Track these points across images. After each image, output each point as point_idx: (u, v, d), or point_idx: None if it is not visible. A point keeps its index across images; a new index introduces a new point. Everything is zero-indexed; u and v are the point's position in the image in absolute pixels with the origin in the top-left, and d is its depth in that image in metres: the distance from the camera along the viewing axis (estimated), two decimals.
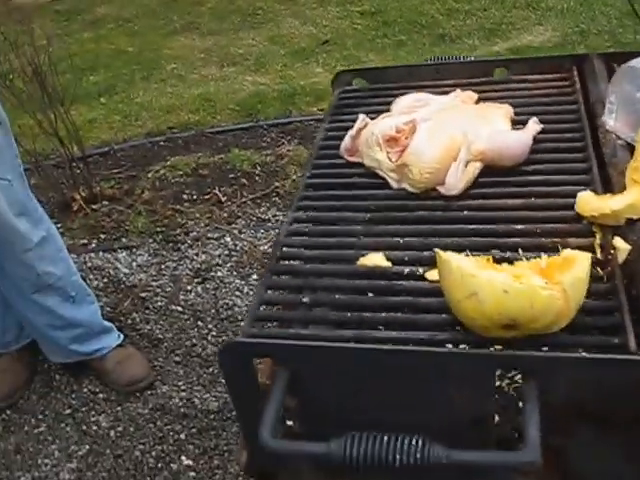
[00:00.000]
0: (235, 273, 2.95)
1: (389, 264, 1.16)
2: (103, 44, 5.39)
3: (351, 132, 1.42)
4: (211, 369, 2.58)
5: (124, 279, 3.01)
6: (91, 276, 3.03)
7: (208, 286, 2.90)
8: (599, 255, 1.12)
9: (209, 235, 3.18)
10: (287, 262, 1.23)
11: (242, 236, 3.13)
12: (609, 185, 1.25)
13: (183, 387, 2.53)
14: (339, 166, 1.45)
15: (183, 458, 2.31)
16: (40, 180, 3.31)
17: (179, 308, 2.83)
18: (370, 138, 1.36)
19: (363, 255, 1.19)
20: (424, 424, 0.92)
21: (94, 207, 3.40)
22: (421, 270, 1.13)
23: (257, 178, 3.49)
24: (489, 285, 0.92)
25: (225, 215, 3.29)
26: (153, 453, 2.33)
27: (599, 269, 1.10)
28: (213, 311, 2.79)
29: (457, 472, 0.91)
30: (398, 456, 0.87)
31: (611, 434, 0.98)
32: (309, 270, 1.19)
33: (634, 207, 1.12)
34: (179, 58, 4.94)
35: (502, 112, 1.40)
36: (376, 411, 0.96)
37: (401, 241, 1.21)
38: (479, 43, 4.46)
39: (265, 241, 3.09)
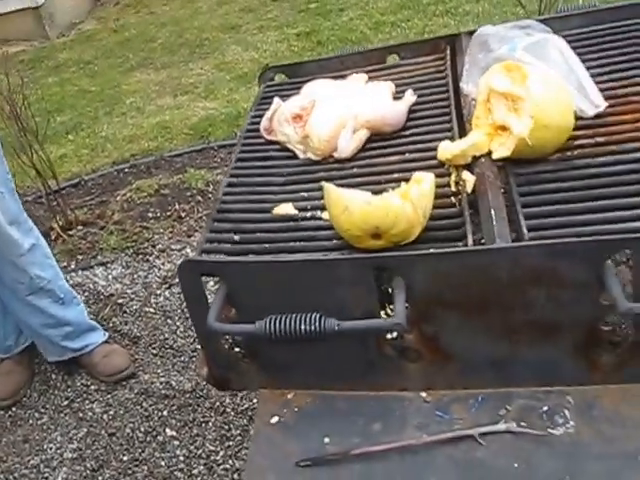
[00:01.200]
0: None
1: (296, 211, 1.50)
2: (67, 86, 5.73)
3: (267, 114, 1.76)
4: (183, 357, 2.92)
5: (102, 290, 3.33)
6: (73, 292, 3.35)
7: (174, 290, 3.24)
8: (453, 188, 1.46)
9: (172, 247, 3.52)
10: (223, 214, 1.56)
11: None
12: (465, 136, 1.59)
13: (162, 374, 2.85)
14: (260, 144, 1.78)
15: (168, 430, 2.63)
16: None
17: (152, 310, 3.16)
18: (281, 117, 1.70)
19: (277, 206, 1.52)
20: (326, 311, 1.24)
21: (70, 233, 3.73)
22: (319, 213, 1.47)
23: (210, 195, 3.83)
24: (355, 199, 1.26)
25: (185, 229, 3.63)
26: (142, 429, 2.65)
27: (453, 198, 1.43)
28: (179, 311, 3.12)
29: (348, 340, 1.25)
30: (303, 326, 1.20)
31: (467, 317, 1.29)
32: (239, 218, 1.53)
33: (475, 146, 1.45)
34: (137, 92, 5.29)
35: (384, 88, 1.74)
36: (289, 305, 1.28)
37: (306, 195, 1.54)
38: None
39: None
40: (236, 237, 1.47)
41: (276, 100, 1.78)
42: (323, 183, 1.35)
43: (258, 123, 1.81)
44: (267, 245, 1.43)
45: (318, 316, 1.19)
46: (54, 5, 6.95)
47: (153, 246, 3.56)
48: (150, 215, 3.80)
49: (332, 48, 5.17)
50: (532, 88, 1.38)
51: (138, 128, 4.72)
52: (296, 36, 5.55)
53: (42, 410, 2.83)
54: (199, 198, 3.84)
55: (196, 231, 3.59)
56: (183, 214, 3.74)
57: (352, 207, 1.27)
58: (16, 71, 5.83)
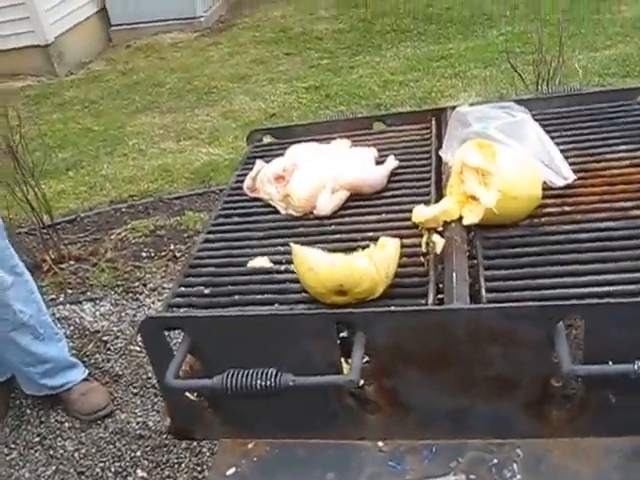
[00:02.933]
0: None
1: (271, 264, 1.55)
2: (71, 124, 5.82)
3: (251, 174, 1.83)
4: None
5: (88, 326, 3.36)
6: (59, 325, 3.38)
7: None
8: (424, 249, 1.52)
9: (164, 285, 3.55)
10: (196, 269, 1.62)
11: None
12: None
13: (140, 413, 2.87)
14: (242, 201, 1.85)
15: (139, 471, 2.64)
16: (14, 245, 3.69)
17: (137, 348, 3.19)
18: (264, 177, 1.77)
19: (252, 260, 1.58)
20: (287, 366, 1.28)
21: (62, 267, 3.77)
22: (291, 267, 1.52)
23: None
24: (320, 261, 1.33)
25: (179, 268, 3.67)
26: (112, 469, 2.66)
27: (422, 258, 1.49)
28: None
29: (306, 394, 1.29)
30: (259, 382, 1.24)
31: (426, 372, 1.35)
32: (211, 272, 1.58)
33: (446, 212, 1.52)
34: (140, 134, 5.38)
35: (367, 152, 1.82)
36: (253, 357, 1.32)
37: (282, 249, 1.60)
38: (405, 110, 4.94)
39: None
40: (206, 290, 1.52)
41: (259, 162, 1.85)
42: (291, 244, 1.41)
43: (242, 182, 1.88)
44: (236, 297, 1.47)
45: (274, 372, 1.24)
46: (65, 43, 7.10)
47: (144, 285, 3.60)
48: (144, 255, 3.85)
49: (340, 102, 5.28)
50: (501, 164, 1.47)
51: (139, 169, 4.80)
52: (305, 89, 5.66)
53: (12, 446, 2.82)
54: (196, 239, 3.89)
55: None
56: (178, 254, 3.80)
57: (317, 268, 1.33)
58: (22, 104, 6.01)
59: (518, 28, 6.11)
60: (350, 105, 5.17)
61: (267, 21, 7.35)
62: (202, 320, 1.37)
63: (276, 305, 1.43)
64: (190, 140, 5.14)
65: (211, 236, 1.74)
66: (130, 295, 3.54)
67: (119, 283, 3.63)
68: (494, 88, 4.96)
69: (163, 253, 3.83)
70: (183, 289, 1.56)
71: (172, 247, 3.85)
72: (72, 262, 3.83)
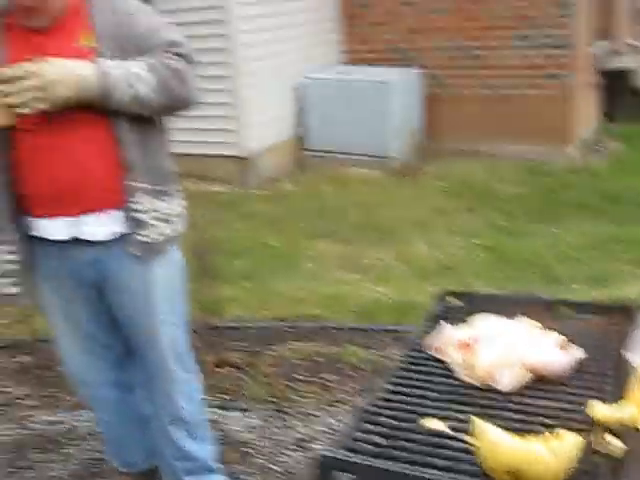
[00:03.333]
0: (332, 446, 3.37)
1: (446, 429, 1.62)
2: (252, 236, 6.12)
3: (437, 335, 1.93)
4: None
5: (234, 435, 3.47)
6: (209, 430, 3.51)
7: (305, 454, 3.33)
8: (596, 447, 1.54)
9: (312, 412, 3.63)
10: (372, 416, 1.71)
11: (341, 418, 3.58)
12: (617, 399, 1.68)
13: None
14: (424, 358, 1.94)
15: None
16: None
17: (276, 468, 3.25)
18: (449, 341, 1.86)
19: (427, 419, 1.65)
20: None
21: (220, 370, 3.93)
22: (466, 436, 1.58)
23: (362, 372, 3.95)
24: (501, 440, 1.39)
25: (330, 398, 3.75)
26: None
27: (593, 456, 1.52)
28: (305, 476, 3.20)
29: None
30: None
31: None
32: (386, 423, 1.67)
33: (627, 417, 1.55)
34: (316, 259, 5.58)
35: (554, 338, 1.88)
36: None
37: (457, 415, 1.67)
38: (581, 288, 4.91)
39: None
40: (379, 440, 1.60)
41: (445, 324, 1.94)
42: (472, 417, 1.48)
43: (425, 338, 1.97)
44: (408, 455, 1.54)
45: None
46: (260, 159, 7.53)
47: (294, 407, 3.70)
48: (298, 377, 3.96)
49: (514, 267, 5.29)
50: None
51: (308, 293, 4.96)
52: (481, 247, 5.72)
53: None
54: (350, 373, 3.97)
55: (338, 402, 3.71)
56: (331, 384, 3.88)
57: (497, 447, 1.39)
58: (211, 209, 6.35)
59: None
60: (523, 272, 5.20)
61: (453, 173, 7.54)
62: (377, 471, 1.45)
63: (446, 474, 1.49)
64: (361, 274, 5.29)
65: (390, 387, 1.83)
66: (280, 414, 3.63)
67: (270, 399, 3.74)
68: None
69: (317, 380, 3.93)
70: (358, 434, 1.64)
71: (326, 376, 3.95)
72: (230, 368, 3.99)
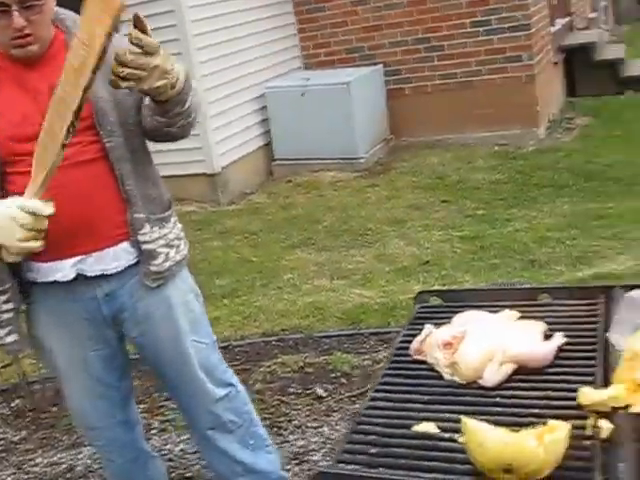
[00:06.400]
0: (328, 459, 3.34)
1: (438, 431, 1.59)
2: (230, 253, 6.09)
3: (419, 338, 1.90)
4: None
5: None
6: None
7: (303, 467, 3.30)
8: (589, 432, 1.52)
9: (308, 424, 3.61)
10: (363, 426, 1.68)
11: (337, 427, 3.55)
12: (607, 383, 1.66)
13: None
14: (409, 362, 1.91)
15: None
16: None
17: None
18: (432, 342, 1.83)
19: (418, 423, 1.62)
20: None
21: None
22: (457, 436, 1.56)
23: (354, 378, 3.94)
24: (492, 437, 1.36)
25: (324, 408, 3.73)
26: None
27: (587, 442, 1.50)
28: None
29: None
30: None
31: None
32: (377, 431, 1.64)
33: (615, 398, 1.52)
34: (295, 269, 5.56)
35: (535, 327, 1.85)
36: None
37: (447, 416, 1.64)
38: (565, 269, 4.91)
39: None
40: (372, 450, 1.57)
41: (428, 326, 1.91)
42: (462, 417, 1.45)
43: (409, 342, 1.94)
44: (403, 461, 1.51)
45: None
46: (230, 174, 7.48)
47: (289, 421, 3.67)
48: (291, 390, 3.94)
49: (494, 254, 5.31)
50: None
51: (292, 304, 4.94)
52: (460, 239, 5.72)
53: None
54: (343, 380, 3.96)
55: (334, 411, 3.68)
56: (324, 394, 3.86)
57: (488, 444, 1.36)
58: (187, 229, 6.30)
59: None
60: (504, 259, 5.20)
61: (425, 167, 7.54)
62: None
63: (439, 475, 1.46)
64: (343, 280, 5.27)
65: (378, 395, 1.79)
66: (274, 430, 3.60)
67: (265, 416, 3.70)
68: None
69: (309, 391, 3.91)
70: (350, 446, 1.61)
71: (318, 386, 3.92)
72: None
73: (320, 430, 3.56)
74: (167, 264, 2.40)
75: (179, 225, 2.53)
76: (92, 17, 1.93)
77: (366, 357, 4.13)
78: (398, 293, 4.86)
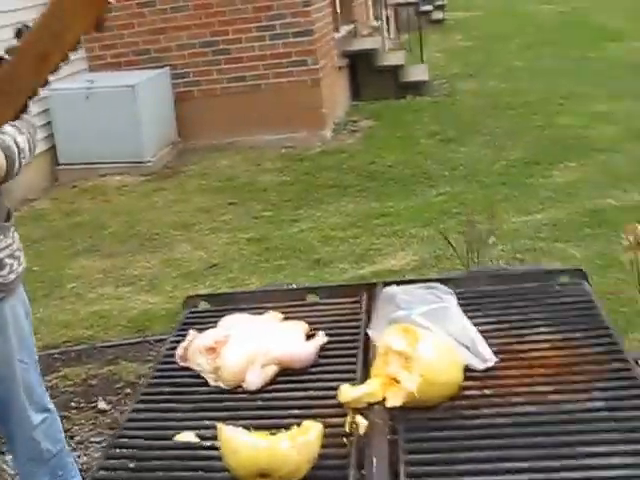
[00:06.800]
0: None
1: (198, 439, 1.57)
2: None
3: (183, 344, 1.87)
4: None
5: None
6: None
7: None
8: (347, 429, 1.55)
9: (92, 439, 3.50)
10: (123, 439, 1.62)
11: None
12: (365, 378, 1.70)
13: None
14: (174, 369, 1.87)
15: None
16: None
17: None
18: (195, 348, 1.81)
19: (180, 433, 1.59)
20: None
21: None
22: (217, 443, 1.53)
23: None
24: (244, 443, 1.35)
25: (108, 421, 3.62)
26: None
27: (345, 439, 1.52)
28: None
29: None
30: None
31: None
32: (138, 444, 1.59)
33: (370, 394, 1.56)
34: (79, 278, 5.38)
35: (298, 327, 1.87)
36: None
37: (209, 423, 1.61)
38: (349, 267, 5.04)
39: None
40: (131, 464, 1.52)
41: (191, 332, 1.89)
42: (217, 424, 1.43)
43: (175, 349, 1.90)
44: (160, 473, 1.48)
45: None
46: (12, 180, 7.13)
47: (71, 437, 3.53)
48: (73, 404, 3.80)
49: (280, 255, 5.37)
50: (422, 350, 1.54)
51: (75, 314, 4.78)
52: (247, 241, 5.74)
53: None
54: (128, 390, 3.86)
55: (117, 424, 3.58)
56: (108, 406, 3.75)
57: (240, 450, 1.35)
58: None
59: (456, 189, 6.35)
60: (290, 259, 5.27)
61: (213, 170, 7.52)
62: None
63: None
64: (129, 287, 5.15)
65: (140, 406, 1.75)
66: None
67: None
68: (430, 248, 5.11)
69: (92, 404, 3.78)
70: (109, 462, 1.56)
71: (102, 398, 3.81)
72: None
73: (104, 445, 3.45)
74: (12, 276, 2.34)
75: (17, 236, 2.45)
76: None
77: (152, 365, 4.04)
78: (185, 298, 4.78)
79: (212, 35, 8.24)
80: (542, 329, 1.88)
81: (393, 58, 10.39)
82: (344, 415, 1.58)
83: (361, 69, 9.74)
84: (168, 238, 5.96)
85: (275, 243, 5.61)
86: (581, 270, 2.17)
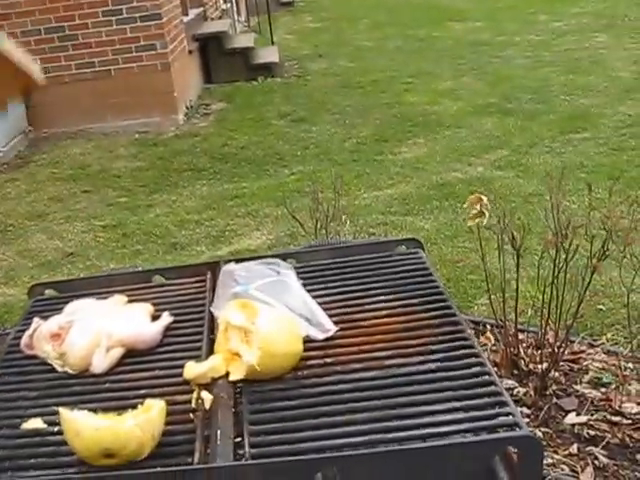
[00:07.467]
0: None
1: (45, 425, 1.59)
2: None
3: (28, 332, 1.88)
4: None
5: None
6: None
7: None
8: (194, 405, 1.60)
9: None
10: None
11: None
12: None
13: None
14: (21, 358, 1.88)
15: None
16: None
17: None
18: (40, 335, 1.82)
19: (26, 422, 1.61)
20: None
21: None
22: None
23: None
24: (86, 425, 1.39)
25: None
26: None
27: (192, 415, 1.58)
28: None
29: None
30: None
31: None
32: None
33: (214, 369, 1.63)
34: None
35: (142, 309, 1.91)
36: None
37: (56, 409, 1.64)
38: (206, 249, 5.07)
39: None
40: None
41: (36, 319, 1.91)
42: (59, 408, 1.47)
43: (21, 338, 1.91)
44: (8, 463, 1.49)
45: None
46: None
47: None
48: None
49: (137, 241, 5.34)
50: (260, 324, 1.61)
51: None
52: (103, 228, 5.67)
53: None
54: None
55: None
56: None
57: (83, 432, 1.39)
58: None
59: (308, 167, 6.46)
60: (147, 244, 5.24)
61: (66, 158, 7.36)
62: None
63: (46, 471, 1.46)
64: None
65: None
66: None
67: None
68: (284, 227, 5.19)
69: None
70: None
71: None
72: None
73: None
74: None
75: None
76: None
77: None
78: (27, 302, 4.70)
79: (57, 21, 8.02)
80: (381, 297, 1.98)
81: (243, 40, 10.41)
82: (191, 392, 1.64)
83: (212, 52, 9.72)
84: (23, 229, 5.82)
85: (131, 229, 5.56)
86: (416, 240, 2.30)
